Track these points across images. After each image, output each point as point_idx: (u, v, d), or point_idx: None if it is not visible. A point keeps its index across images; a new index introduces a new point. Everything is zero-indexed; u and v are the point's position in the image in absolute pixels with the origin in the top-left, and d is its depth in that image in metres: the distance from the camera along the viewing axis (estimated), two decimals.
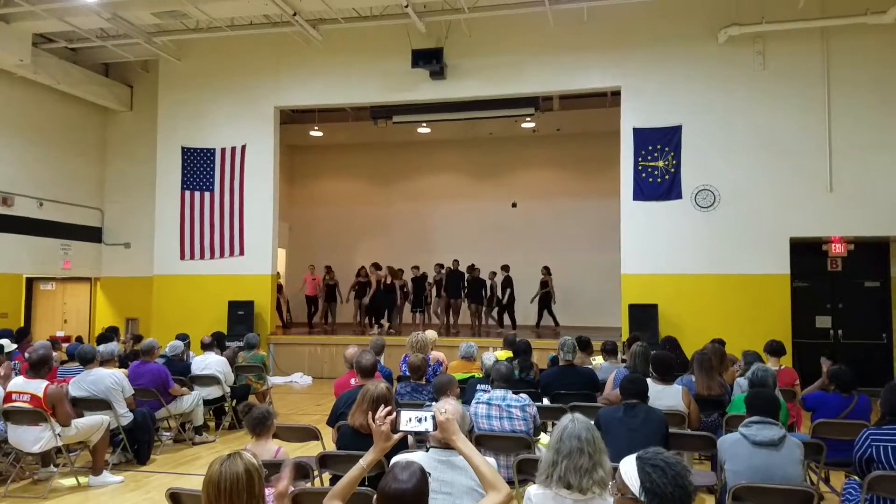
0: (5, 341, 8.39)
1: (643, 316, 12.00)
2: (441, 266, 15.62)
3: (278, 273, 15.62)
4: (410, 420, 2.91)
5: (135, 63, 15.87)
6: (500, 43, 13.37)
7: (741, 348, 7.77)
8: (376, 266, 15.48)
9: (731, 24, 12.09)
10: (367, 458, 2.93)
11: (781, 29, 11.97)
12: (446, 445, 3.53)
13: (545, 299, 15.17)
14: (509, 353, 8.04)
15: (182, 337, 9.56)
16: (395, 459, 2.83)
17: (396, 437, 2.94)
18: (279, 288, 15.67)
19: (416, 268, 15.72)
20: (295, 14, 12.44)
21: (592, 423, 3.30)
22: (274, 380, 12.35)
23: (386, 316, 15.18)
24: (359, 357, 5.63)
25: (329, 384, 9.92)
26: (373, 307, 15.28)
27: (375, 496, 2.53)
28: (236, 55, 14.56)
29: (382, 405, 3.26)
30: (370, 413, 3.09)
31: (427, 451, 3.38)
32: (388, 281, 15.33)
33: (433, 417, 2.93)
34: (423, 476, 2.55)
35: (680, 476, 2.33)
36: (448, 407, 3.28)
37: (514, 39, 13.29)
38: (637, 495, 2.32)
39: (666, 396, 5.75)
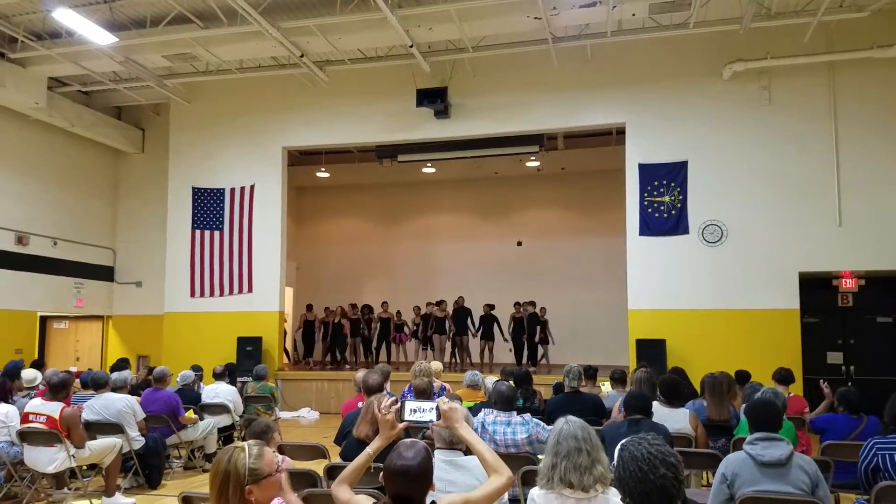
0: (32, 372, 8.61)
1: (651, 351, 11.92)
2: (443, 303, 15.64)
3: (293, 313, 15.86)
4: (414, 410, 3.02)
5: (146, 106, 16.24)
6: (503, 81, 13.57)
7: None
8: (326, 309, 16.40)
9: (735, 60, 12.11)
10: (373, 446, 3.02)
11: (787, 64, 12.04)
12: (451, 445, 3.62)
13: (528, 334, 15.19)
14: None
15: (196, 368, 9.75)
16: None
17: (401, 426, 3.04)
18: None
19: (421, 304, 15.86)
20: (302, 56, 12.76)
21: (585, 423, 3.39)
22: (282, 415, 12.47)
23: (337, 353, 15.91)
24: (365, 377, 5.78)
25: (337, 419, 9.99)
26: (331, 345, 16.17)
27: (382, 473, 2.63)
28: (244, 97, 14.88)
29: (387, 397, 3.37)
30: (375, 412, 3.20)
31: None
32: (336, 320, 15.89)
33: (436, 408, 3.03)
34: (427, 454, 2.65)
35: (650, 471, 2.32)
36: (453, 403, 3.38)
37: (518, 78, 13.49)
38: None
39: (673, 420, 5.71)
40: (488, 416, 5.30)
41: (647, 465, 2.32)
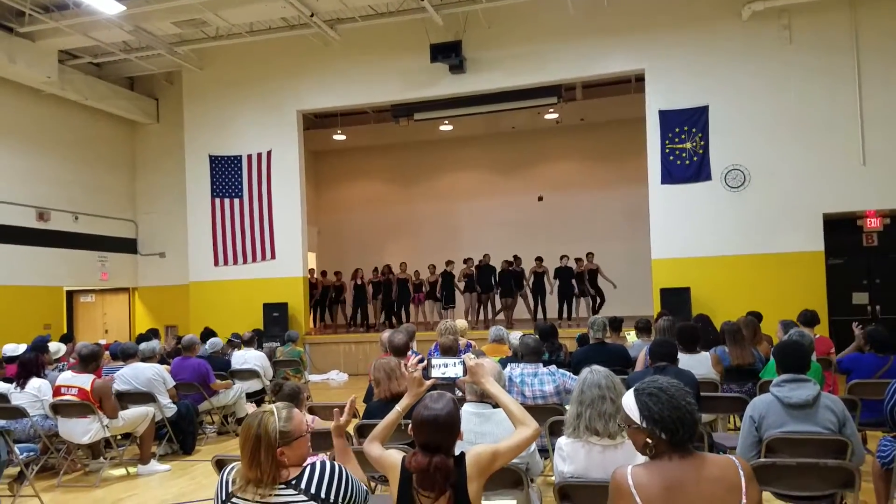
0: (55, 344, 8.79)
1: (675, 300, 11.99)
2: (470, 260, 15.64)
3: (313, 271, 16.12)
4: (441, 367, 3.09)
5: (159, 75, 16.27)
6: (519, 32, 13.45)
7: (776, 327, 7.64)
8: (322, 273, 16.49)
9: (754, 0, 12.06)
10: (402, 403, 3.09)
11: (807, 0, 11.83)
12: (481, 398, 3.70)
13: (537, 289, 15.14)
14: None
15: (235, 336, 9.98)
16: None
17: (429, 382, 3.09)
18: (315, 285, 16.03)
19: (442, 264, 15.71)
20: (312, 15, 12.69)
21: (610, 371, 3.45)
22: (311, 378, 12.72)
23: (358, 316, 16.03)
24: (391, 337, 5.87)
25: (365, 380, 10.18)
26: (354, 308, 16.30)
27: (410, 424, 2.71)
28: (257, 61, 14.85)
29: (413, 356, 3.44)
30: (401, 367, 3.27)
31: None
32: (359, 282, 15.85)
33: (463, 363, 3.10)
34: (454, 405, 2.72)
35: (675, 398, 2.37)
36: (484, 361, 3.45)
37: (534, 28, 13.36)
38: (640, 425, 2.39)
39: (694, 365, 5.73)
40: (514, 369, 5.38)
41: (676, 393, 2.38)
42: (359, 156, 20.06)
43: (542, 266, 15.15)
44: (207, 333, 10.44)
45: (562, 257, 15.02)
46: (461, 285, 15.57)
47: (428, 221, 19.47)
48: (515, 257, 15.35)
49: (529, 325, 12.74)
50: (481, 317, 15.41)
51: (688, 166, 12.58)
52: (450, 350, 6.33)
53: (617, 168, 17.77)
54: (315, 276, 16.20)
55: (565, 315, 14.81)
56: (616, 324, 8.41)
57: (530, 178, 18.89)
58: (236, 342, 10.22)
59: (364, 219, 19.94)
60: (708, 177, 12.47)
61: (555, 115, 17.23)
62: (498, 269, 15.30)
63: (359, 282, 15.99)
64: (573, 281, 14.89)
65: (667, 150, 12.67)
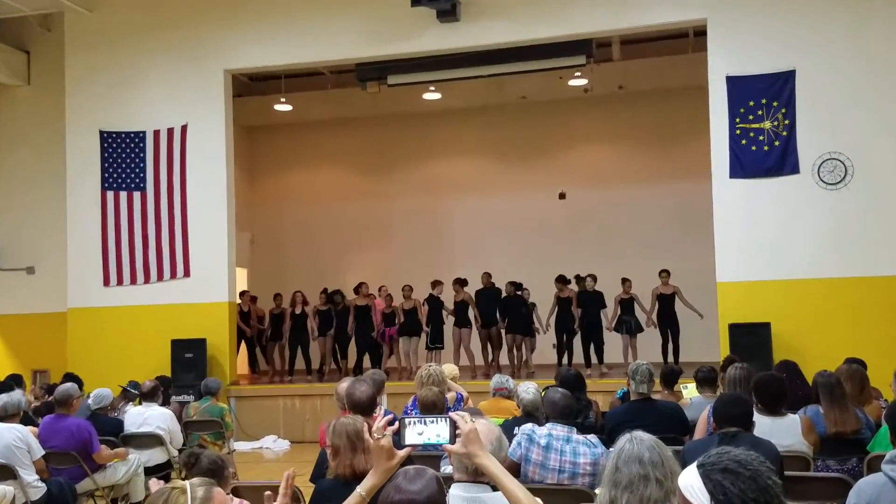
0: None
1: (750, 340, 11.92)
2: (463, 281, 15.51)
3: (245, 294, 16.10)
4: (419, 429, 3.01)
5: (31, 19, 16.06)
6: None
7: (890, 379, 7.60)
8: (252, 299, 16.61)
9: None
10: (365, 485, 3.05)
11: None
12: (475, 477, 3.63)
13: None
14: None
15: (132, 386, 9.81)
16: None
17: (402, 453, 3.06)
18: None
19: (425, 286, 15.51)
20: None
21: (657, 440, 3.38)
22: (238, 446, 12.56)
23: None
24: (351, 388, 5.78)
25: (313, 449, 10.08)
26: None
27: None
28: (170, 3, 14.80)
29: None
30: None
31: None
32: (299, 310, 15.84)
33: (452, 424, 3.02)
34: (438, 485, 2.67)
35: (760, 476, 2.28)
36: (478, 422, 3.38)
37: None
38: None
39: (777, 432, 5.73)
40: (539, 429, 5.34)
41: (761, 468, 2.30)
42: (310, 134, 20.03)
43: (566, 289, 15.17)
44: (78, 382, 10.06)
45: (583, 278, 15.03)
46: (452, 317, 15.58)
47: (405, 226, 19.43)
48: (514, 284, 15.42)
49: (549, 373, 12.67)
50: (480, 361, 15.38)
51: (766, 154, 12.54)
52: (433, 407, 6.26)
53: (667, 155, 17.82)
54: (247, 301, 16.16)
55: (595, 359, 14.86)
56: (669, 373, 8.37)
57: (548, 167, 18.83)
58: (133, 394, 10.06)
59: (317, 222, 19.70)
60: (795, 169, 12.44)
61: (583, 82, 17.12)
62: (503, 294, 15.32)
63: (298, 310, 15.93)
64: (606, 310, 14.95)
65: (738, 132, 12.64)
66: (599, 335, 14.85)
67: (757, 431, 5.29)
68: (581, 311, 14.88)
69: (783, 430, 5.87)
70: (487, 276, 15.57)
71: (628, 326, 14.85)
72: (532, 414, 6.70)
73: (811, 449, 6.06)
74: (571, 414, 5.60)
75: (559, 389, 5.94)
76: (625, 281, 15.10)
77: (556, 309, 15.15)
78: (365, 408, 5.70)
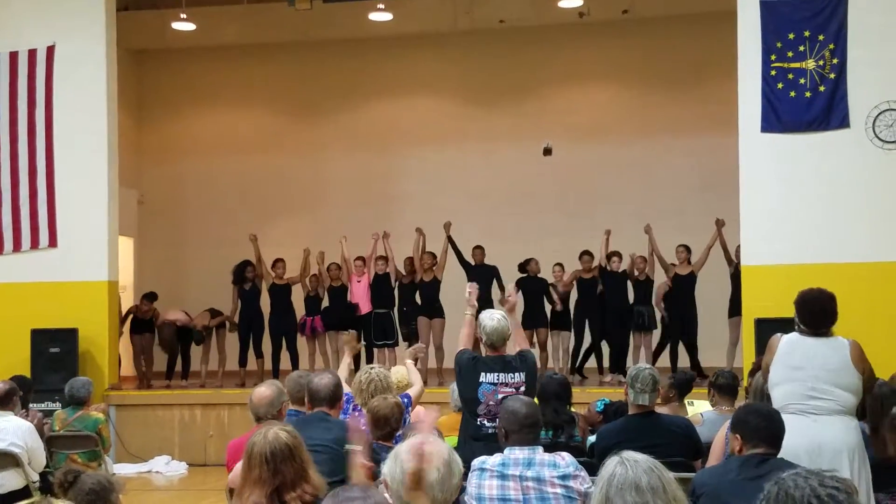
0: None
1: None
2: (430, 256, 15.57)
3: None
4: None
5: None
6: None
7: None
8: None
9: None
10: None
11: None
12: None
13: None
14: None
15: None
16: None
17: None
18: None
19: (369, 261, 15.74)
20: None
21: (656, 463, 3.39)
22: (120, 468, 12.46)
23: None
24: (312, 381, 5.82)
25: (217, 473, 10.09)
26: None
27: None
28: None
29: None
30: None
31: None
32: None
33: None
34: None
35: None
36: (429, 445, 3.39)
37: None
38: None
39: (824, 354, 6.09)
40: (487, 483, 5.32)
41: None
42: (219, 63, 19.74)
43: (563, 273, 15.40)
44: None
45: (610, 256, 15.16)
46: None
47: (343, 186, 19.19)
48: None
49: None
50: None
51: (809, 102, 12.49)
52: (386, 423, 6.27)
53: (683, 102, 17.92)
54: (131, 281, 15.99)
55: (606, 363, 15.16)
56: (680, 381, 8.40)
57: (530, 113, 18.70)
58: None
59: (225, 178, 19.46)
60: (845, 122, 12.42)
61: (578, 2, 17.26)
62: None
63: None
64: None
65: (772, 73, 12.59)
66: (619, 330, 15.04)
67: (801, 352, 5.40)
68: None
69: (830, 350, 6.11)
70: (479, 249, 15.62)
71: (643, 321, 14.92)
72: (496, 347, 6.68)
73: (860, 380, 6.16)
74: (537, 429, 5.54)
75: (520, 397, 5.93)
76: (614, 255, 15.26)
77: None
78: (329, 399, 5.73)
